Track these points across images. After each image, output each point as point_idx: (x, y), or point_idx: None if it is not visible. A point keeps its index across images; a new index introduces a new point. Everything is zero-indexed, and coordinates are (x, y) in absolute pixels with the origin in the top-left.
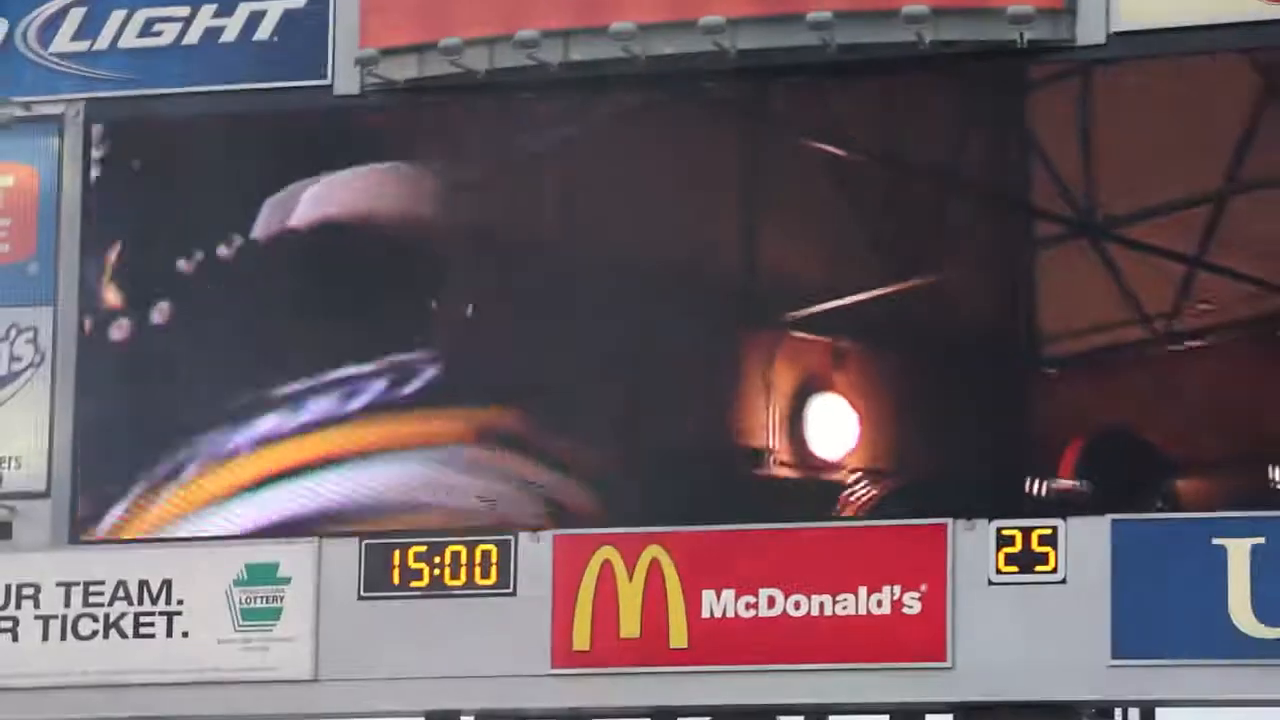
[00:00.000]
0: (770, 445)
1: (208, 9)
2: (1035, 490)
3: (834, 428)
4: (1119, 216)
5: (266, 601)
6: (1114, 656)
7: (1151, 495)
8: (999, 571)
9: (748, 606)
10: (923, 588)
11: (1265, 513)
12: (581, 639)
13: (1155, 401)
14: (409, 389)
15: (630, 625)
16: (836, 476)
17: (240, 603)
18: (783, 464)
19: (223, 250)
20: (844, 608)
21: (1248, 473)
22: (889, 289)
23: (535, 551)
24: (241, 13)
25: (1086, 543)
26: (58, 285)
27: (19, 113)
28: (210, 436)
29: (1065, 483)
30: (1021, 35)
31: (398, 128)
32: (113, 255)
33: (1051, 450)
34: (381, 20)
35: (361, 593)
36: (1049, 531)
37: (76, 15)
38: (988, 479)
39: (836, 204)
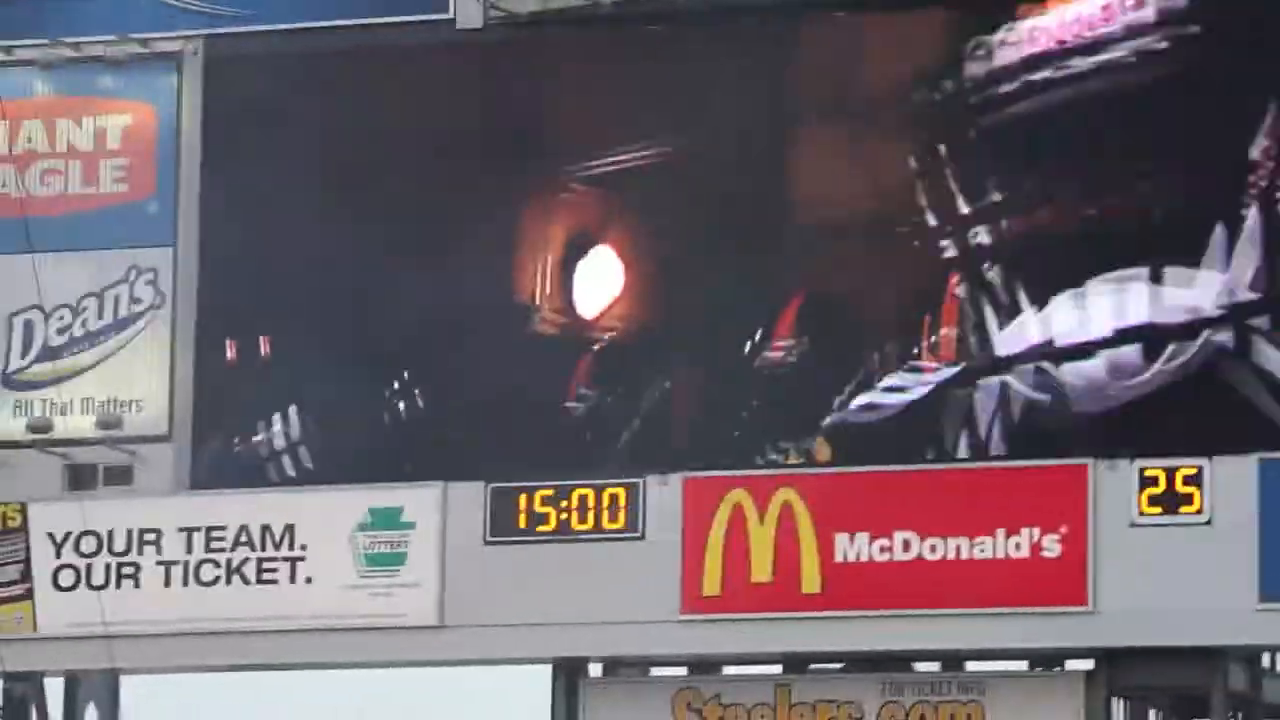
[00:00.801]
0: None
1: None
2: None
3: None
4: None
5: (391, 546)
6: (1261, 600)
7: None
8: (1142, 513)
9: (882, 550)
10: (1063, 530)
11: None
12: (712, 584)
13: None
14: None
15: (762, 569)
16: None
17: (364, 548)
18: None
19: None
20: (981, 551)
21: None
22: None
23: (664, 495)
24: None
25: (1233, 483)
26: (178, 225)
27: (136, 49)
28: None
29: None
30: None
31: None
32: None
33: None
34: None
35: (487, 537)
36: (1194, 471)
37: None
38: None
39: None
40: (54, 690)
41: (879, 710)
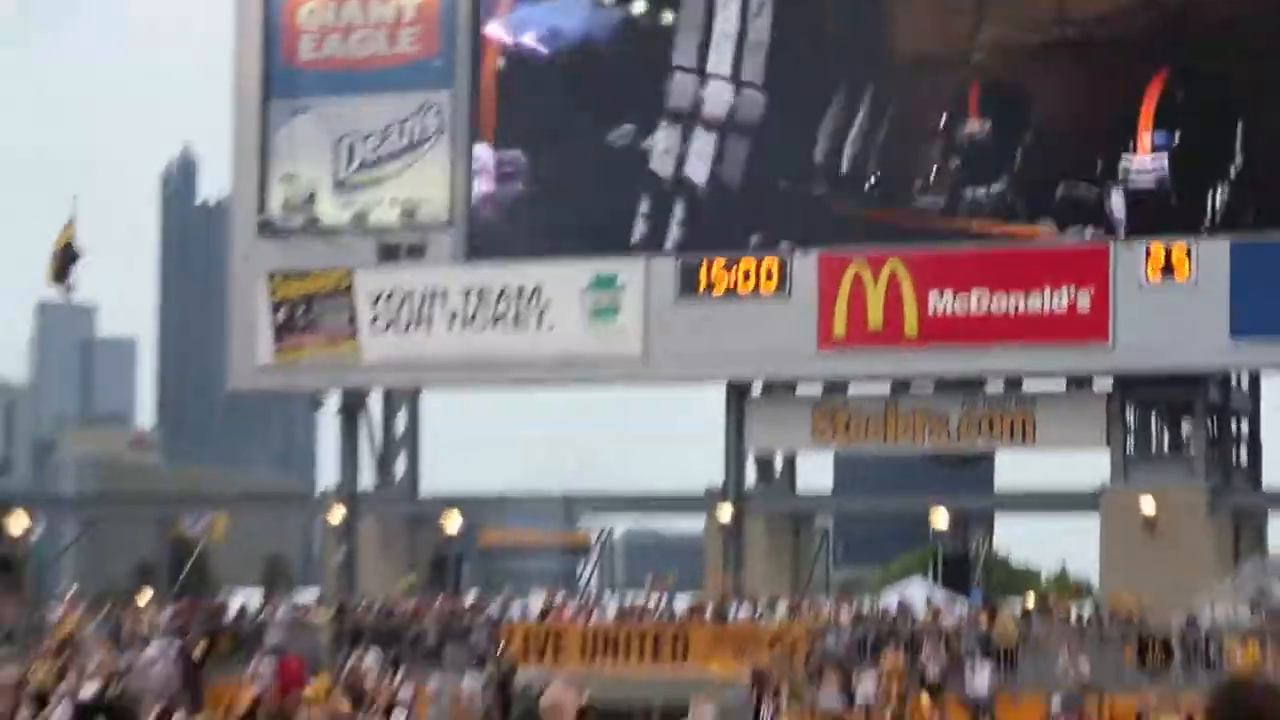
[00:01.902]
0: None
1: None
2: None
3: None
4: None
5: (609, 302)
6: (1231, 335)
7: None
8: (1148, 279)
9: (962, 304)
10: (1092, 289)
11: None
12: (839, 328)
13: None
14: None
15: (875, 319)
16: None
17: (590, 303)
18: None
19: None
20: (1034, 304)
21: None
22: None
23: (805, 265)
24: None
25: (1213, 257)
26: (455, 74)
27: None
28: None
29: None
30: None
31: None
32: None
33: None
34: None
35: (677, 296)
36: (1185, 250)
37: None
38: None
39: None
40: (375, 402)
41: (960, 419)
